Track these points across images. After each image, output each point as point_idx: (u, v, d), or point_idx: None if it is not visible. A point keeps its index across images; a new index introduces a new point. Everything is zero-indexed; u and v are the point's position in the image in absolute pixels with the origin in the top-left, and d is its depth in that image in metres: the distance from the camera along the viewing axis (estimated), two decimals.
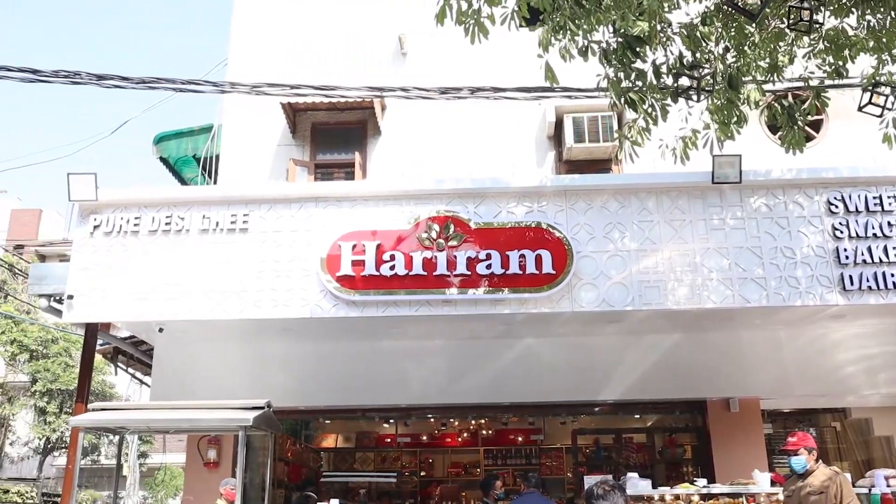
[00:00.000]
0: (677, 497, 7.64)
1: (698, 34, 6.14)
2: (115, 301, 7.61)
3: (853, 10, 6.18)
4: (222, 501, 8.05)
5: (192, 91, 8.05)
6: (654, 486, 7.87)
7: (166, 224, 7.79)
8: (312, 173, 10.65)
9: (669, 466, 10.93)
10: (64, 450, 23.44)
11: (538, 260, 7.47)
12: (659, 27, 6.06)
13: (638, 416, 11.39)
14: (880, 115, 6.61)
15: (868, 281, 7.35)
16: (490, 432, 14.05)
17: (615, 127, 9.93)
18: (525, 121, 10.59)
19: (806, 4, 5.54)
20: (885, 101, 6.52)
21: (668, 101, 6.24)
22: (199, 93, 8.08)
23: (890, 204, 7.62)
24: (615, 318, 7.96)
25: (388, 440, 14.06)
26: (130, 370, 11.65)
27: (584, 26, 5.48)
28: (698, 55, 6.23)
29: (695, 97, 6.17)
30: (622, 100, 6.09)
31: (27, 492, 19.35)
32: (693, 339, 8.89)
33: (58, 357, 23.17)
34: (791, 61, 6.69)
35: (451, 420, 13.40)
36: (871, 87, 6.55)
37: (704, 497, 7.60)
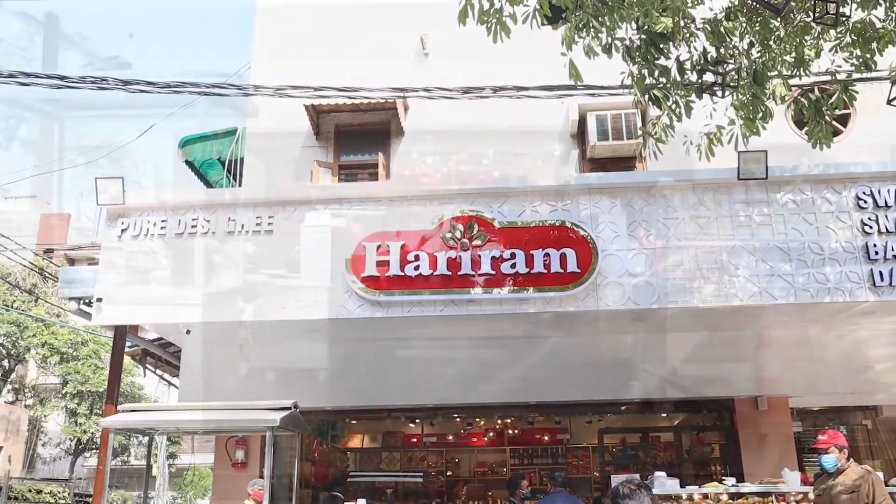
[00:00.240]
0: (706, 496, 7.59)
1: (722, 29, 6.08)
2: (143, 303, 7.69)
3: (881, 1, 6.08)
4: (250, 502, 8.14)
5: (216, 94, 8.07)
6: (682, 485, 7.83)
7: (192, 227, 7.86)
8: (336, 174, 10.71)
9: (697, 465, 10.88)
10: (95, 451, 23.80)
11: (563, 259, 7.44)
12: (682, 23, 6.00)
13: (665, 415, 11.33)
14: None
15: None
16: (516, 431, 14.01)
17: (639, 124, 9.89)
18: (548, 119, 10.54)
19: None
20: None
21: (693, 97, 6.17)
22: (223, 96, 8.12)
23: None
24: (641, 317, 7.90)
25: (415, 440, 14.10)
26: (159, 372, 11.82)
27: (608, 23, 5.46)
28: (722, 51, 6.16)
29: (719, 93, 6.10)
30: (646, 97, 6.05)
31: (60, 492, 19.63)
32: (719, 338, 8.79)
33: (88, 359, 23.56)
34: (817, 55, 6.56)
35: (477, 419, 13.41)
36: None
37: (733, 496, 7.54)
